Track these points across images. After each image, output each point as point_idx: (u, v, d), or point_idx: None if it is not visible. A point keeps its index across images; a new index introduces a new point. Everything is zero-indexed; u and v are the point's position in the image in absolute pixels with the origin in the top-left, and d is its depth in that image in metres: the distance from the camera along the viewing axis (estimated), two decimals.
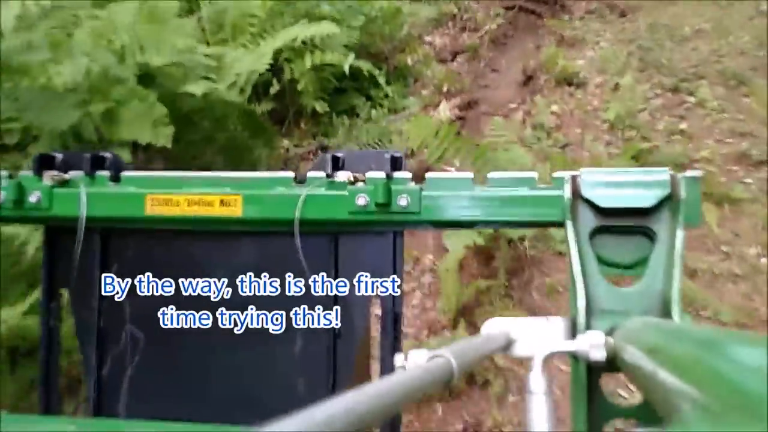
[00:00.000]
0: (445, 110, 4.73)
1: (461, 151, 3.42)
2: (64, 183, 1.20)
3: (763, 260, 3.13)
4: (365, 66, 4.60)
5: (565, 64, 5.28)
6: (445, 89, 5.07)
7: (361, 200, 1.09)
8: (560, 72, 5.18)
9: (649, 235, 1.00)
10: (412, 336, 2.94)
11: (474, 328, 2.82)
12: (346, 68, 4.38)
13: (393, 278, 1.15)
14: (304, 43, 4.32)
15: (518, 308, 2.97)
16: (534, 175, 1.07)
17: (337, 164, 1.14)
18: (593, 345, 0.85)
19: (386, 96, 4.97)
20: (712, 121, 4.40)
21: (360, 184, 1.11)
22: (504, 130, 3.74)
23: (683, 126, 4.31)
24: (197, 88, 3.37)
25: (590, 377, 0.96)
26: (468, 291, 2.97)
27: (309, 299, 1.18)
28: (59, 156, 1.21)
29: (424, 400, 2.52)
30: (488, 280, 3.02)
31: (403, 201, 1.08)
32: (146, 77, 3.31)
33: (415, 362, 0.71)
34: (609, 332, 0.88)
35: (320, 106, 4.47)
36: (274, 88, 4.36)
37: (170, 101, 3.26)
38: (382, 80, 4.75)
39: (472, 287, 2.97)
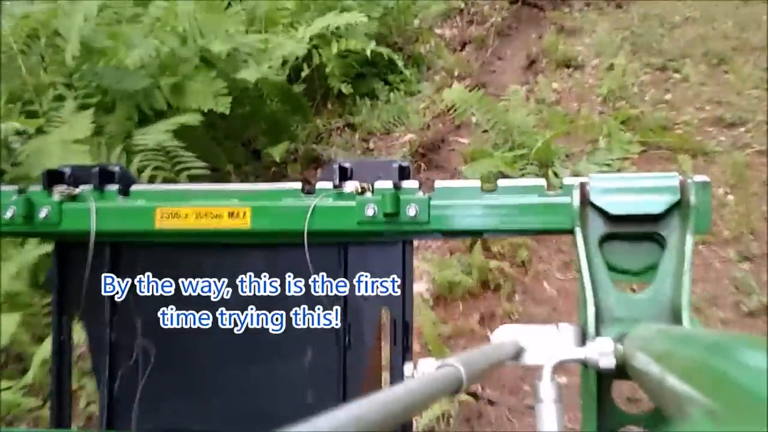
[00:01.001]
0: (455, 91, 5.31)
1: (481, 110, 4.02)
2: (73, 197, 1.20)
3: (729, 197, 3.67)
4: (385, 51, 5.21)
5: (565, 49, 5.90)
6: (456, 74, 5.68)
7: (370, 210, 1.08)
8: (560, 56, 5.80)
9: (659, 242, 0.99)
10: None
11: None
12: (368, 53, 4.98)
13: (402, 287, 1.15)
14: (331, 32, 4.93)
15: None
16: (542, 182, 1.07)
17: (345, 174, 1.14)
18: (603, 353, 0.85)
19: (403, 81, 5.57)
20: (694, 93, 4.98)
21: (368, 194, 1.11)
22: (515, 97, 4.34)
23: (668, 97, 4.90)
24: (250, 75, 3.95)
25: (600, 385, 0.95)
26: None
27: (319, 308, 1.18)
28: (68, 171, 1.22)
29: (448, 300, 3.09)
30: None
31: (411, 211, 1.08)
32: (206, 60, 3.92)
33: (424, 371, 0.71)
34: (619, 339, 0.87)
35: (345, 88, 5.05)
36: (305, 72, 4.97)
37: (225, 79, 3.88)
38: (400, 63, 5.34)
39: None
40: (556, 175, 3.81)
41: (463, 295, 3.09)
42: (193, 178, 3.46)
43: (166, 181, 3.41)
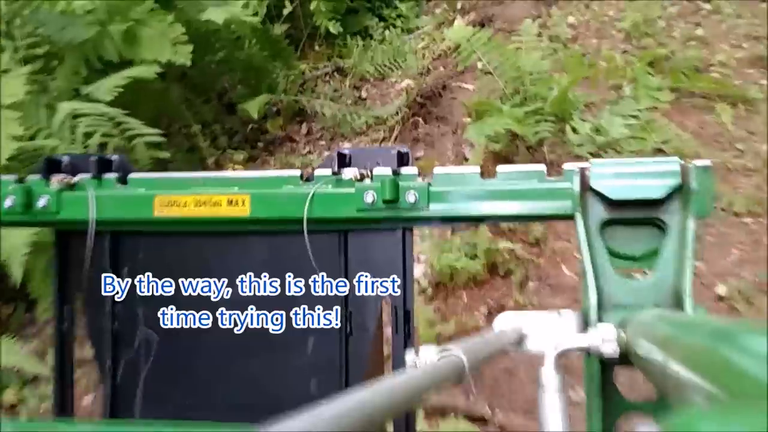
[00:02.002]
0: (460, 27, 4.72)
1: (489, 53, 3.47)
2: (71, 186, 1.20)
3: None
4: None
5: None
6: (458, 6, 5.06)
7: (369, 197, 1.08)
8: None
9: (660, 227, 0.99)
10: None
11: None
12: None
13: (403, 275, 1.14)
14: None
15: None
16: (543, 168, 1.06)
17: (344, 161, 1.14)
18: (605, 339, 0.84)
19: (399, 16, 4.96)
20: (728, 27, 4.36)
21: (367, 181, 1.10)
22: (527, 35, 3.75)
23: (699, 32, 4.27)
24: (217, 16, 3.39)
25: (603, 372, 0.95)
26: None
27: (320, 298, 1.18)
28: (65, 159, 1.22)
29: (450, 288, 2.66)
30: None
31: (411, 197, 1.07)
32: (163, 0, 3.35)
33: (425, 359, 0.70)
34: (621, 325, 0.86)
35: (334, 27, 4.46)
36: (287, 9, 4.38)
37: (186, 22, 3.32)
38: None
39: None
40: (575, 130, 3.29)
41: (467, 283, 2.64)
42: (151, 146, 2.96)
43: (118, 149, 2.92)
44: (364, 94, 4.36)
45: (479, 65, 3.56)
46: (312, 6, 4.38)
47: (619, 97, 3.61)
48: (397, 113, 3.92)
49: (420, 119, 3.93)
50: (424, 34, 4.79)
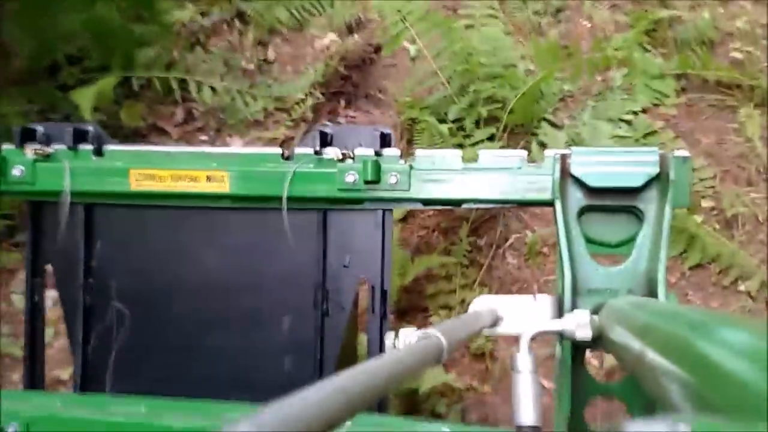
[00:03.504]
0: None
1: (427, 35, 2.43)
2: (47, 157, 1.18)
3: None
4: None
5: None
6: None
7: (350, 177, 1.08)
8: None
9: (637, 215, 1.00)
10: None
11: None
12: None
13: (381, 255, 1.15)
14: None
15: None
16: (524, 154, 1.07)
17: (326, 140, 1.13)
18: (580, 324, 0.85)
19: None
20: None
21: (349, 161, 1.10)
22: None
23: None
24: None
25: (575, 355, 0.96)
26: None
27: (297, 277, 1.17)
28: (40, 129, 1.19)
29: None
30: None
31: (392, 178, 1.08)
32: None
33: (405, 341, 0.73)
34: (595, 311, 0.88)
35: None
36: None
37: None
38: None
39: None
40: (543, 145, 2.32)
41: None
42: None
43: None
44: (271, 55, 3.26)
45: (412, 49, 2.50)
46: None
47: (607, 87, 2.63)
48: (311, 93, 2.89)
49: (342, 101, 2.93)
50: None
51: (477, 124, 2.33)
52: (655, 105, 2.54)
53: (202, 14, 3.40)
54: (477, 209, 2.10)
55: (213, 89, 2.83)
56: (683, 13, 2.91)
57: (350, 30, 3.31)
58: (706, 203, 2.23)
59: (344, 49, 3.12)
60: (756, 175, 2.31)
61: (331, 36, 3.33)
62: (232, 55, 3.22)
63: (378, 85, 3.05)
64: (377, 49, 3.17)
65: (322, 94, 2.96)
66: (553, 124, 2.39)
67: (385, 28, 2.50)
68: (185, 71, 2.91)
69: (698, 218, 2.14)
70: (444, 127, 2.21)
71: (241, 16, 3.41)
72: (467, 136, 2.31)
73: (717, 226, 2.17)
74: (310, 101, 2.85)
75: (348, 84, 3.04)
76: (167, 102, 2.86)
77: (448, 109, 2.34)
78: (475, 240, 2.27)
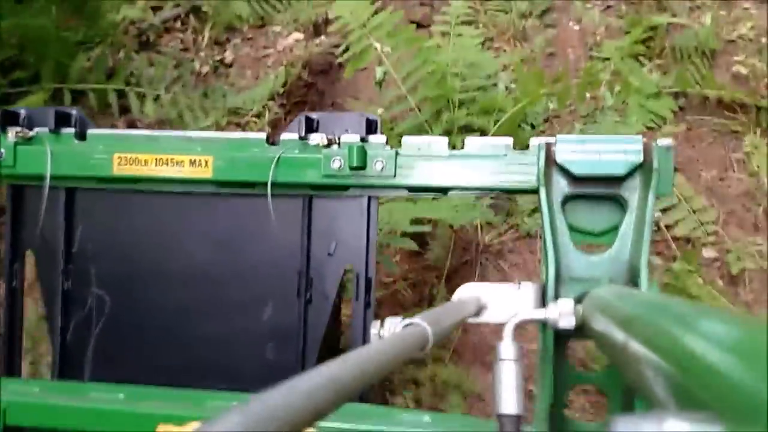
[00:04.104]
0: None
1: (395, 53, 2.12)
2: (28, 140, 1.17)
3: None
4: None
5: None
6: None
7: (336, 163, 1.08)
8: None
9: (621, 203, 1.01)
10: None
11: None
12: None
13: (366, 243, 1.14)
14: None
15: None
16: (509, 141, 1.06)
17: (311, 126, 1.12)
18: (563, 313, 0.86)
19: None
20: None
21: (334, 147, 1.09)
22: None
23: None
24: None
25: (557, 344, 0.96)
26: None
27: (281, 263, 1.16)
28: (23, 112, 1.18)
29: None
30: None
31: (378, 165, 1.07)
32: None
33: (390, 330, 0.72)
34: (578, 299, 0.88)
35: None
36: None
37: None
38: None
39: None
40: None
41: None
42: None
43: None
44: (228, 57, 2.95)
45: (378, 71, 2.16)
46: None
47: (597, 108, 2.35)
48: (268, 106, 2.59)
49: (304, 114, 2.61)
50: None
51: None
52: (650, 128, 2.27)
53: (154, 10, 3.08)
54: (450, 260, 1.85)
55: (158, 99, 2.52)
56: (682, 19, 2.63)
57: (317, 30, 3.00)
58: (707, 253, 1.97)
59: (308, 53, 2.83)
60: (764, 217, 2.04)
61: (296, 35, 3.03)
62: (186, 56, 2.92)
63: (346, 93, 2.76)
64: (346, 48, 2.87)
65: (283, 105, 2.68)
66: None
67: (348, 40, 2.18)
68: (127, 78, 2.60)
69: (700, 280, 1.87)
70: None
71: (196, 11, 3.10)
72: None
73: (720, 282, 1.91)
74: (267, 116, 2.56)
75: (312, 92, 2.76)
76: (107, 114, 2.55)
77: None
78: (448, 295, 2.00)
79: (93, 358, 1.21)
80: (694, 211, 1.98)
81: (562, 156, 0.99)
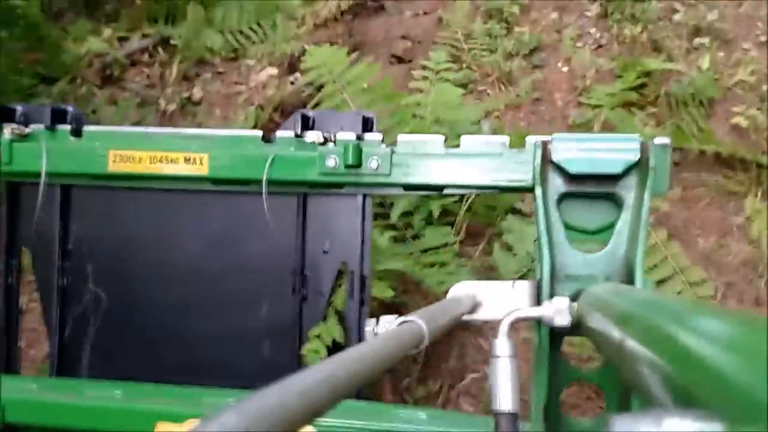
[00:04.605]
0: None
1: (372, 107, 1.96)
2: (24, 137, 1.17)
3: None
4: None
5: None
6: None
7: (331, 161, 1.08)
8: None
9: (616, 202, 1.01)
10: None
11: None
12: None
13: (361, 241, 1.14)
14: None
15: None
16: (506, 140, 1.06)
17: (307, 123, 1.12)
18: (558, 310, 0.86)
19: None
20: (747, 17, 2.88)
21: (330, 145, 1.09)
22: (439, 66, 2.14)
23: (713, 19, 2.79)
24: None
25: (552, 341, 0.96)
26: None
27: (276, 261, 1.17)
28: (19, 109, 1.18)
29: None
30: None
31: (373, 163, 1.07)
32: None
33: (385, 327, 0.73)
34: (574, 297, 0.88)
35: None
36: None
37: None
38: None
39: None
40: (509, 248, 1.85)
41: None
42: None
43: None
44: (197, 93, 2.77)
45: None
46: None
47: None
48: None
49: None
50: None
51: (428, 220, 1.87)
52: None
53: (121, 41, 2.90)
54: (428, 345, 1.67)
55: None
56: (678, 64, 2.46)
57: (291, 66, 2.84)
58: None
59: (281, 93, 2.66)
60: (766, 290, 1.87)
61: (270, 70, 2.86)
62: (151, 93, 2.74)
63: None
64: (320, 86, 2.70)
65: None
66: (522, 214, 1.94)
67: (321, 94, 2.00)
68: (88, 118, 2.42)
69: None
70: (385, 237, 1.75)
71: (165, 43, 2.93)
72: (416, 237, 1.86)
73: None
74: None
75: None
76: None
77: (394, 201, 1.87)
78: (426, 380, 1.81)
79: (90, 354, 1.22)
80: (690, 284, 1.81)
81: (558, 154, 0.99)
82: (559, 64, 2.67)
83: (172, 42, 2.85)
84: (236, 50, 2.93)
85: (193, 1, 2.88)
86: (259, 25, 3.03)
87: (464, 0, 2.77)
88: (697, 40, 2.67)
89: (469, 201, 1.89)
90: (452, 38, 2.59)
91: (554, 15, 2.94)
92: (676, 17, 2.78)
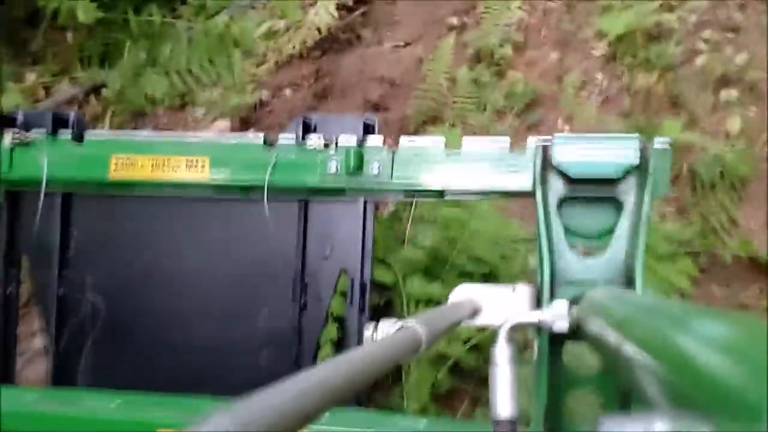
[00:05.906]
0: (328, 8, 2.65)
1: None
2: (25, 144, 1.14)
3: None
4: None
5: None
6: None
7: (333, 166, 1.06)
8: None
9: (616, 205, 1.00)
10: None
11: None
12: None
13: (362, 247, 1.13)
14: None
15: None
16: (506, 142, 1.05)
17: (309, 128, 1.11)
18: (557, 315, 0.85)
19: None
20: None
21: (331, 150, 1.08)
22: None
23: (742, 63, 2.32)
24: None
25: (552, 346, 0.96)
26: None
27: (276, 268, 1.16)
28: (20, 115, 1.17)
29: None
30: None
31: (374, 168, 1.06)
32: None
33: (384, 332, 0.72)
34: (574, 301, 0.87)
35: (86, 12, 2.39)
36: None
37: None
38: None
39: None
40: None
41: None
42: None
43: None
44: None
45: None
46: None
47: None
48: None
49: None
50: (252, 7, 2.69)
51: None
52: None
53: (46, 90, 2.49)
54: None
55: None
56: (704, 135, 2.04)
57: (246, 119, 2.43)
58: None
59: None
60: None
61: (221, 124, 2.44)
62: None
63: None
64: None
65: None
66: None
67: None
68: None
69: None
70: None
71: (97, 91, 2.51)
72: None
73: None
74: None
75: None
76: None
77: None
78: None
79: (88, 363, 1.22)
80: None
81: (558, 158, 0.98)
82: (560, 122, 2.26)
83: (102, 88, 2.43)
84: (183, 96, 2.51)
85: (133, 37, 2.45)
86: (211, 62, 2.59)
87: (449, 37, 2.36)
88: (724, 93, 2.23)
89: None
90: (434, 88, 2.20)
91: (554, 55, 2.50)
92: (699, 61, 2.33)
